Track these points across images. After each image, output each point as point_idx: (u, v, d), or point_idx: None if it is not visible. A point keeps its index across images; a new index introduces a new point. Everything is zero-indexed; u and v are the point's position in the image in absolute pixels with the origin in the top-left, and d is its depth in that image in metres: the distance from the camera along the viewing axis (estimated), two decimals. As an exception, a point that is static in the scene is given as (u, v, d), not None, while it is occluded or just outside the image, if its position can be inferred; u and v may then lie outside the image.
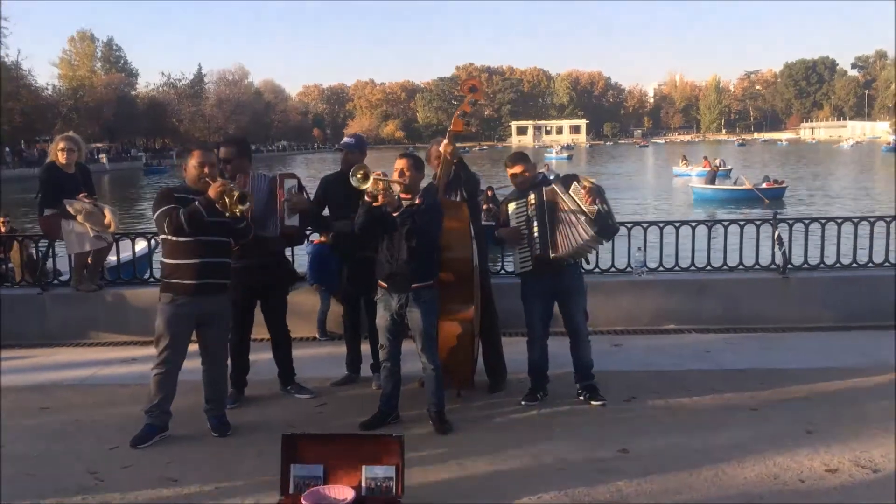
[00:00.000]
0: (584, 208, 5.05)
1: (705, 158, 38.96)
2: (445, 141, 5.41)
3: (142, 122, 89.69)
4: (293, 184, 5.54)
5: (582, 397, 5.31)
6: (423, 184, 5.12)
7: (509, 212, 5.36)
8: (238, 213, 4.60)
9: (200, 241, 4.67)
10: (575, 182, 5.18)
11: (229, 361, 5.24)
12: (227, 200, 4.55)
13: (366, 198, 4.67)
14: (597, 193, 5.07)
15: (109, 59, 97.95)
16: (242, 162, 5.41)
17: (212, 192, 4.56)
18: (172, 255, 4.75)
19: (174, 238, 4.69)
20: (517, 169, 5.35)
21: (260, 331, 5.68)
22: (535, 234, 5.21)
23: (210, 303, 4.76)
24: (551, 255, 5.16)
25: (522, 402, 5.30)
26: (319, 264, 7.13)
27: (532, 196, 5.26)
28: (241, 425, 4.98)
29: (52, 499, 3.96)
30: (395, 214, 4.67)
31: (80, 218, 7.11)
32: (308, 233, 6.68)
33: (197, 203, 4.59)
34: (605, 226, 5.10)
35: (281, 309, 5.66)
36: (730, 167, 38.48)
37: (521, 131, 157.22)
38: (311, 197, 5.79)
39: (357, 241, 5.16)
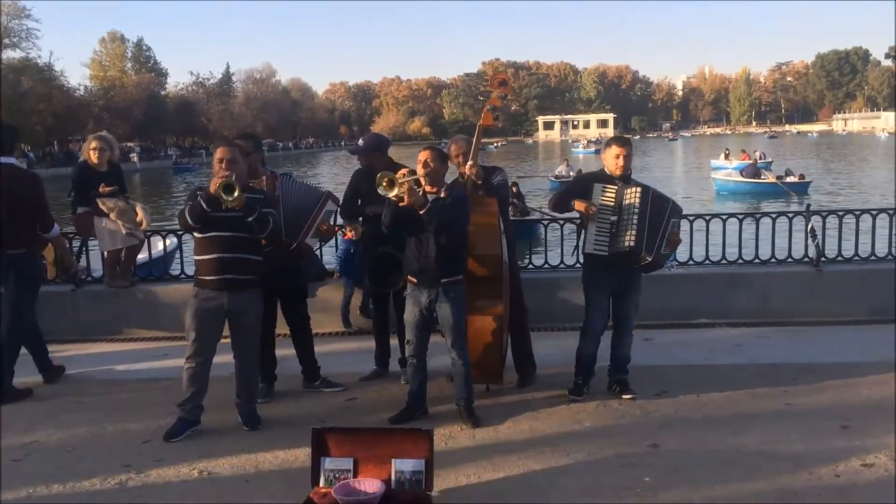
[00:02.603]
0: (663, 242, 5.14)
1: (743, 151, 38.03)
2: (470, 163, 5.30)
3: (172, 122, 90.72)
4: (333, 210, 5.62)
5: (613, 390, 5.29)
6: (449, 179, 5.09)
7: (594, 190, 5.17)
8: (229, 205, 4.53)
9: (216, 237, 4.74)
10: (675, 220, 5.23)
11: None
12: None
13: (392, 198, 4.68)
14: (673, 248, 5.31)
15: (139, 59, 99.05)
16: (256, 157, 5.43)
17: (211, 186, 4.60)
18: (195, 252, 4.87)
19: (196, 235, 4.81)
20: (623, 150, 5.18)
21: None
22: (633, 230, 5.03)
23: (235, 299, 4.79)
24: (643, 253, 5.06)
25: (569, 397, 5.24)
26: (348, 258, 7.25)
27: (637, 190, 5.09)
28: (272, 419, 5.03)
29: (87, 492, 4.02)
30: (421, 212, 4.67)
31: (112, 216, 7.23)
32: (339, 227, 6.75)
33: (198, 196, 4.65)
34: (656, 266, 5.24)
35: (300, 308, 5.67)
36: (770, 160, 37.67)
37: (548, 126, 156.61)
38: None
39: (386, 236, 5.18)
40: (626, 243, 5.04)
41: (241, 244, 4.77)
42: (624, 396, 5.20)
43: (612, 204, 5.11)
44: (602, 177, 5.28)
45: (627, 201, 5.08)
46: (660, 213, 5.10)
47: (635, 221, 5.04)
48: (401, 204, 4.62)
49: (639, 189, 5.10)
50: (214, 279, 4.75)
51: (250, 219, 4.69)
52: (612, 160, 5.21)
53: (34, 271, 5.98)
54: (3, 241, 5.53)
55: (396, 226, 4.77)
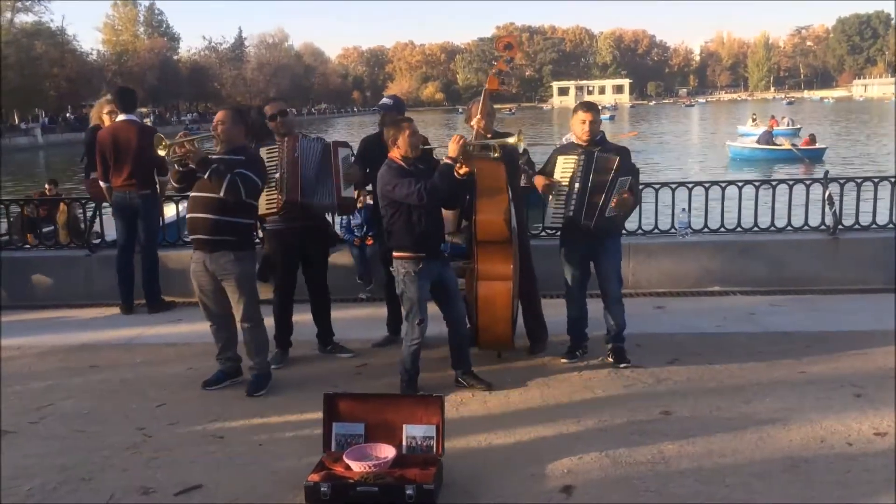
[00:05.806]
0: (608, 205, 5.02)
1: (772, 117, 37.16)
2: (478, 117, 5.26)
3: (185, 87, 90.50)
4: (347, 153, 5.55)
5: (610, 358, 5.27)
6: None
7: (557, 163, 5.20)
8: (168, 156, 4.70)
9: (195, 197, 4.84)
10: (630, 178, 5.07)
11: (272, 322, 5.31)
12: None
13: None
14: (626, 208, 5.09)
15: (151, 23, 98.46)
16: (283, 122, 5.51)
17: None
18: None
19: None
20: (588, 116, 5.13)
21: (301, 292, 5.71)
22: (574, 196, 5.08)
23: (214, 260, 4.79)
24: (582, 221, 5.06)
25: (563, 360, 5.28)
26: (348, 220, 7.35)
27: (581, 157, 5.09)
28: (285, 384, 5.06)
29: (102, 454, 4.06)
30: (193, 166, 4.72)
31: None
32: None
33: None
34: (605, 228, 5.11)
35: (322, 271, 5.69)
36: (799, 126, 36.90)
37: (563, 92, 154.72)
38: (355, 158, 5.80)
39: None
40: (568, 212, 5.09)
41: (216, 205, 4.71)
42: (619, 365, 5.17)
43: (570, 174, 5.12)
44: (567, 148, 5.28)
45: (576, 171, 5.09)
46: (604, 173, 5.03)
47: (577, 189, 5.06)
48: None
49: (583, 156, 5.08)
50: (192, 239, 4.89)
51: (205, 175, 4.66)
52: (578, 126, 5.19)
53: (158, 208, 7.31)
54: (136, 184, 6.84)
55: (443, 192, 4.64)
